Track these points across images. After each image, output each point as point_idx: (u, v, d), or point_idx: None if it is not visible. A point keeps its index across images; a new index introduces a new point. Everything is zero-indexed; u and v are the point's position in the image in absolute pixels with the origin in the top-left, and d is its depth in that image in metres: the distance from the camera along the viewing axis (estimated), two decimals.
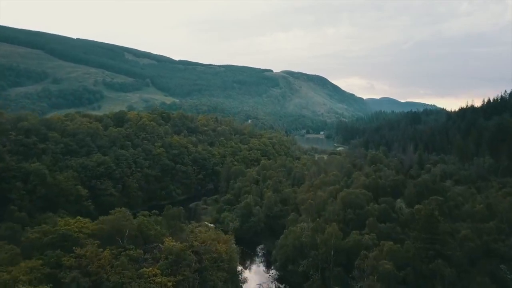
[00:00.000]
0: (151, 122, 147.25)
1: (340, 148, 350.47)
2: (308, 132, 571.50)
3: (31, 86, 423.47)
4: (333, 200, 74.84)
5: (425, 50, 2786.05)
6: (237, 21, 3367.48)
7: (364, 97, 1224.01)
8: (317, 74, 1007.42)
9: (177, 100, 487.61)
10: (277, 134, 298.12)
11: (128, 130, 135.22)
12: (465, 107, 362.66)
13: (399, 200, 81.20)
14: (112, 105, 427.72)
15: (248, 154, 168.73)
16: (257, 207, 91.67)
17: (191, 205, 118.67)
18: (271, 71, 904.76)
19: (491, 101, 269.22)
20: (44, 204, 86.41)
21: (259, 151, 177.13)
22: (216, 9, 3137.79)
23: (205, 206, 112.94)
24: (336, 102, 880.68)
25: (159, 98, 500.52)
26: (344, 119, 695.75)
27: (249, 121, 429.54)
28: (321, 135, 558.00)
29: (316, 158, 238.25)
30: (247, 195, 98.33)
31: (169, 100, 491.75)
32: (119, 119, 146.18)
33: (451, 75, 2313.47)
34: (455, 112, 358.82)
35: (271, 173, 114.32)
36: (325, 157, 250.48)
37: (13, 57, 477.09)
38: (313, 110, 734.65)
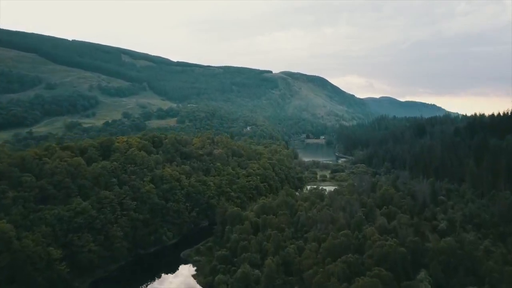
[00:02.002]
0: (141, 152, 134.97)
1: (343, 159, 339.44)
2: (308, 137, 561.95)
3: (23, 93, 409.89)
4: (347, 286, 62.98)
5: (424, 50, 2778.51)
6: (237, 21, 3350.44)
7: (364, 97, 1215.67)
8: (316, 74, 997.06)
9: (175, 105, 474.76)
10: (277, 147, 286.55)
11: (115, 163, 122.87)
12: (472, 115, 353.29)
13: (422, 274, 69.46)
14: (107, 112, 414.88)
15: (247, 182, 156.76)
16: (257, 271, 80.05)
17: (182, 254, 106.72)
18: (271, 72, 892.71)
19: (501, 114, 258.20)
20: (8, 273, 74.56)
21: (258, 177, 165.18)
22: (216, 9, 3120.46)
23: (197, 258, 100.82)
24: (336, 103, 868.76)
25: (156, 102, 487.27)
26: (344, 122, 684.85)
27: (248, 128, 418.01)
28: (322, 140, 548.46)
29: (319, 176, 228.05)
30: (244, 254, 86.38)
31: (166, 104, 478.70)
32: (106, 148, 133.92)
33: (450, 74, 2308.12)
34: (462, 118, 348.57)
35: (271, 219, 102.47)
36: (328, 175, 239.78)
37: (5, 61, 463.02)
38: (313, 112, 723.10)
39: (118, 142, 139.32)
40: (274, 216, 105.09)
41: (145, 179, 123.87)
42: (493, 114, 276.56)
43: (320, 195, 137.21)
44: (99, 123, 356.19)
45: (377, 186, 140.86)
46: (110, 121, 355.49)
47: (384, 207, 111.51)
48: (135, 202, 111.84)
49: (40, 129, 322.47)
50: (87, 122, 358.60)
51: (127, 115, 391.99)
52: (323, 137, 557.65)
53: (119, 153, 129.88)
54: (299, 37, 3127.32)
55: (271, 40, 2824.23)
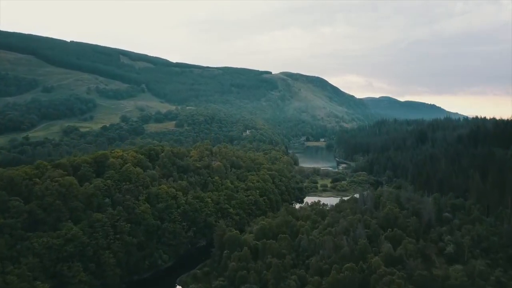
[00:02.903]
0: (136, 168, 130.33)
1: (343, 165, 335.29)
2: (308, 140, 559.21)
3: (20, 96, 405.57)
4: None
5: (424, 49, 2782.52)
6: (237, 21, 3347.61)
7: (363, 96, 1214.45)
8: (316, 75, 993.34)
9: (173, 108, 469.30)
10: (276, 153, 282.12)
11: (108, 181, 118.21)
12: (473, 117, 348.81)
13: None
14: (105, 115, 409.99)
15: (246, 196, 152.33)
16: None
17: (179, 280, 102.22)
18: (270, 72, 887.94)
19: (504, 119, 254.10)
20: None
21: (257, 190, 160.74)
22: (216, 9, 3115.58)
23: (194, 286, 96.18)
24: (336, 104, 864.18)
25: (154, 105, 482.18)
26: (344, 124, 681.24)
27: (248, 132, 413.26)
28: (322, 142, 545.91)
29: (320, 186, 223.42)
30: (243, 286, 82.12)
31: (165, 107, 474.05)
32: (100, 164, 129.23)
33: (449, 74, 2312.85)
34: (463, 120, 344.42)
35: (271, 244, 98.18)
36: (329, 184, 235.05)
37: (2, 64, 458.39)
38: (313, 114, 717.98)
39: (113, 157, 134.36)
40: (274, 241, 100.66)
41: (140, 197, 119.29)
42: (495, 119, 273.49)
43: (322, 212, 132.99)
44: (96, 127, 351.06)
45: (380, 202, 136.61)
46: (108, 125, 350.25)
47: (389, 229, 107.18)
48: (129, 224, 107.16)
49: (36, 134, 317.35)
50: (84, 126, 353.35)
51: (125, 119, 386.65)
52: (323, 140, 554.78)
53: (113, 170, 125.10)
54: (299, 37, 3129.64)
55: (270, 40, 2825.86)
